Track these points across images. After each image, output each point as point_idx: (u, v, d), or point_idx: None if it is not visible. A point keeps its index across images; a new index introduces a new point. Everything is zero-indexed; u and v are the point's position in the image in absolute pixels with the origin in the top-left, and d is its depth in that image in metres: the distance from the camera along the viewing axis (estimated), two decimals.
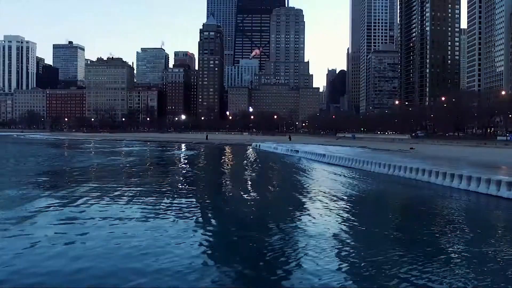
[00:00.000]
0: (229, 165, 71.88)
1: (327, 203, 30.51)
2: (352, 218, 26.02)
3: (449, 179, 38.99)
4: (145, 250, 17.81)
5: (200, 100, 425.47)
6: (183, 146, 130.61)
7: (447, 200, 33.58)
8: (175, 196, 33.42)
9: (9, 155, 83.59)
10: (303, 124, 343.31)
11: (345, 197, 33.68)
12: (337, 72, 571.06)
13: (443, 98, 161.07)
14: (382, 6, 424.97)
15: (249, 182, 45.80)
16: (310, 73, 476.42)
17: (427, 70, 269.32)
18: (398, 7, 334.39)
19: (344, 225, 23.55)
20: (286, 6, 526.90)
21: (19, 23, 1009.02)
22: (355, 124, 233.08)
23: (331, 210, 27.73)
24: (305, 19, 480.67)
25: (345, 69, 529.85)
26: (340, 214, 26.55)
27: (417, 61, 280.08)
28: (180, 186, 41.27)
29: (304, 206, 29.93)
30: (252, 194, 36.48)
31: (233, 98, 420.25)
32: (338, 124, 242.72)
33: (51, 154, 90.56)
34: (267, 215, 27.09)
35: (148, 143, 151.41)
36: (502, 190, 32.89)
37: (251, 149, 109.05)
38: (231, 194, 37.10)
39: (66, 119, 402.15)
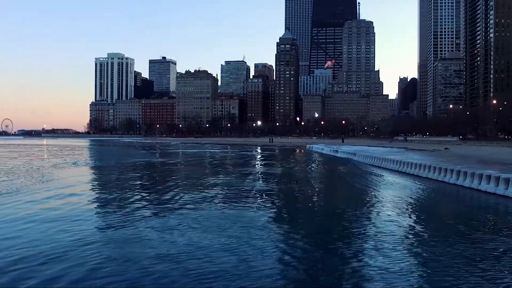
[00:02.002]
0: (271, 158, 72.90)
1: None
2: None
3: (442, 174, 37.60)
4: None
5: (277, 107, 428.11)
6: (246, 147, 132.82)
7: (428, 191, 32.56)
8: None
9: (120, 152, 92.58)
10: (372, 129, 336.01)
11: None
12: (408, 80, 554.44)
13: (494, 101, 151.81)
14: (448, 15, 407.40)
15: (283, 164, 47.34)
16: (381, 81, 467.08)
17: (491, 76, 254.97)
18: (463, 15, 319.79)
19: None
20: (358, 19, 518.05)
21: (120, 41, 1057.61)
22: (416, 128, 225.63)
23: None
24: (376, 30, 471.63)
25: (416, 77, 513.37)
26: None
27: (482, 67, 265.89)
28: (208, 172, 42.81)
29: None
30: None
31: (307, 105, 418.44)
32: (402, 128, 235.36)
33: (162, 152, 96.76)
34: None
35: (225, 145, 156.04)
36: (483, 183, 31.35)
37: (303, 150, 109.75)
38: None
39: (158, 126, 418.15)
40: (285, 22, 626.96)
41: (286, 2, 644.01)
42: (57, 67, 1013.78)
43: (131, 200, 27.35)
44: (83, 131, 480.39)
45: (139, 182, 38.60)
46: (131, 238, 17.23)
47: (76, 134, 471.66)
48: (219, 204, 25.36)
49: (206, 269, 13.26)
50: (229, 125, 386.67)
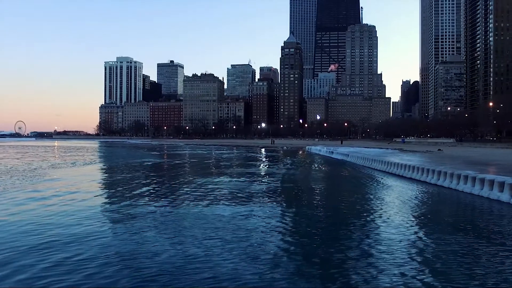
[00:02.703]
0: (267, 159, 72.54)
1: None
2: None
3: (425, 174, 37.40)
4: None
5: (282, 110, 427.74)
6: (247, 149, 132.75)
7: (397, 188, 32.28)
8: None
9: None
10: (374, 131, 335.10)
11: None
12: (411, 83, 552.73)
13: (490, 104, 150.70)
14: (449, 19, 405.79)
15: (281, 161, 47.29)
16: (384, 84, 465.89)
17: (491, 79, 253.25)
18: (463, 19, 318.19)
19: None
20: (361, 23, 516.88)
21: (129, 45, 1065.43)
22: (415, 130, 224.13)
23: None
24: (380, 34, 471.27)
25: (418, 80, 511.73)
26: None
27: (481, 70, 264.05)
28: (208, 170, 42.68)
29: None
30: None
31: (311, 107, 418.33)
32: (402, 130, 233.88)
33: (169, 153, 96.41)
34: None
35: (227, 147, 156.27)
36: (460, 184, 31.11)
37: (302, 151, 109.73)
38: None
39: (165, 128, 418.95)
40: (290, 27, 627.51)
41: (291, 7, 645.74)
42: (67, 71, 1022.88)
43: (110, 200, 27.31)
44: (94, 133, 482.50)
45: (126, 182, 38.42)
46: (94, 237, 17.11)
47: (86, 136, 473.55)
48: (189, 204, 25.21)
49: (148, 268, 13.17)
50: (234, 127, 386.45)
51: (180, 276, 12.57)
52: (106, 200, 27.21)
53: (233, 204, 25.37)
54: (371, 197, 29.57)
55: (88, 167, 57.91)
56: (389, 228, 19.05)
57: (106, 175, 48.37)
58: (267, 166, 61.72)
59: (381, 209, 24.21)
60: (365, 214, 22.73)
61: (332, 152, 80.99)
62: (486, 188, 27.66)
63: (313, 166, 61.46)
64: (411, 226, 19.82)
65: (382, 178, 41.22)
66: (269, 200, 27.26)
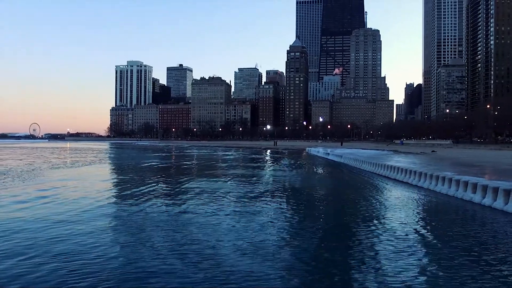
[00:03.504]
0: (264, 159, 72.45)
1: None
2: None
3: (408, 176, 37.10)
4: None
5: (287, 112, 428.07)
6: (250, 150, 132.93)
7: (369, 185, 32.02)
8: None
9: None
10: (378, 133, 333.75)
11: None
12: (414, 86, 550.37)
13: (488, 106, 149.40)
14: (451, 23, 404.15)
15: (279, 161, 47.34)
16: (387, 87, 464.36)
17: (492, 81, 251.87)
18: (465, 23, 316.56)
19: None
20: (365, 27, 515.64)
21: (139, 50, 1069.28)
22: (416, 132, 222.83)
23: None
24: (384, 38, 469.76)
25: (421, 83, 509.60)
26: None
27: (482, 73, 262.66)
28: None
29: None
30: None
31: (316, 110, 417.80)
32: (403, 132, 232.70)
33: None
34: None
35: (231, 148, 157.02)
36: (438, 185, 30.82)
37: (302, 152, 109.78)
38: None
39: (174, 130, 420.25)
40: (296, 31, 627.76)
41: (297, 12, 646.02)
42: (80, 74, 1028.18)
43: (90, 201, 26.99)
44: (105, 135, 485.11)
45: (117, 184, 38.50)
46: (58, 238, 16.93)
47: (98, 138, 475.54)
48: (173, 206, 25.14)
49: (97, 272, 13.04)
50: (241, 129, 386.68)
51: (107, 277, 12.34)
52: (90, 201, 26.94)
53: (210, 205, 25.19)
54: (352, 197, 29.38)
55: (86, 168, 58.04)
56: (356, 227, 18.88)
57: (100, 176, 47.98)
58: (263, 167, 61.51)
59: (355, 208, 24.02)
60: (341, 213, 22.57)
61: (328, 154, 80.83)
62: (461, 190, 27.33)
63: (304, 168, 60.99)
64: (375, 227, 19.51)
65: (367, 179, 40.88)
66: (253, 202, 26.94)
